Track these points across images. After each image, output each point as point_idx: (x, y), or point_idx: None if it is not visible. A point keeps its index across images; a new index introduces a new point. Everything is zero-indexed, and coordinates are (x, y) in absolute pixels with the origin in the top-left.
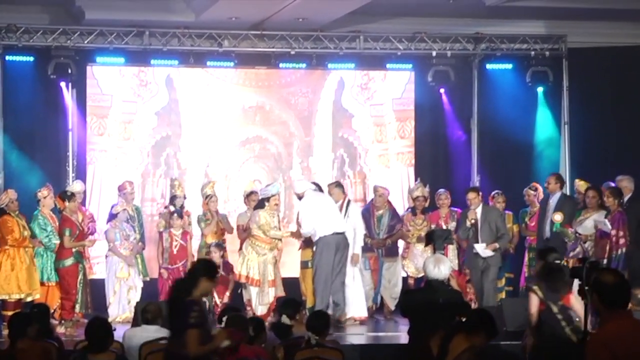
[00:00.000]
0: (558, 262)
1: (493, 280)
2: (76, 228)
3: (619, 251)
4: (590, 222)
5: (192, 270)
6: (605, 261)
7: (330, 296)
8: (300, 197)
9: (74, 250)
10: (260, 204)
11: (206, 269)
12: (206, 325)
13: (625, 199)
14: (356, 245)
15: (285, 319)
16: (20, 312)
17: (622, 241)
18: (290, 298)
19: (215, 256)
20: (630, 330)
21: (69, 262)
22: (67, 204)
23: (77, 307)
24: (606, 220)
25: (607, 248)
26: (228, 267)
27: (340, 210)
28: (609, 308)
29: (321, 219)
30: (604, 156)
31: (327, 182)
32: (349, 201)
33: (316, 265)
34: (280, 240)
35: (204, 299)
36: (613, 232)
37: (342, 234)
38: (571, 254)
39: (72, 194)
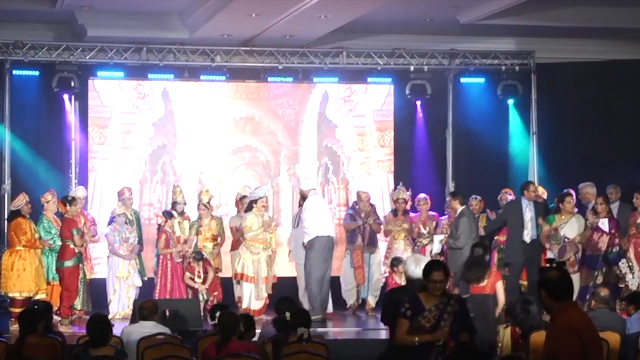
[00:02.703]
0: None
1: None
2: (80, 229)
3: (614, 249)
4: (574, 225)
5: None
6: (602, 254)
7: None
8: (304, 196)
9: (76, 251)
10: (249, 206)
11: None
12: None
13: (590, 205)
14: None
15: (288, 316)
16: (29, 308)
17: (617, 241)
18: (288, 297)
19: (195, 264)
20: (584, 318)
21: (71, 262)
22: (68, 207)
23: (79, 304)
24: (605, 220)
25: (606, 245)
26: (207, 265)
27: None
28: (558, 301)
29: (320, 221)
30: (570, 164)
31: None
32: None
33: (311, 266)
34: (269, 241)
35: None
36: (613, 232)
37: (333, 237)
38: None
39: (73, 199)
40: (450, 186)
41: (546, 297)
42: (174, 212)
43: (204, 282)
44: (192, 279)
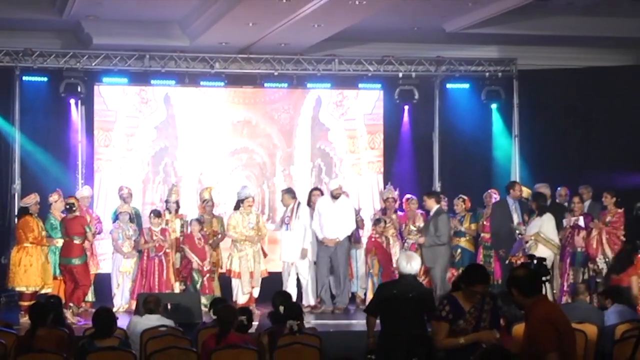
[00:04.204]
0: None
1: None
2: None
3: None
4: (537, 223)
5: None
6: (583, 249)
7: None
8: (337, 196)
9: (83, 247)
10: (237, 205)
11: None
12: (460, 322)
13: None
14: (305, 241)
15: (281, 309)
16: (40, 302)
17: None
18: (284, 291)
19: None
20: (557, 309)
21: (81, 260)
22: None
23: (90, 296)
24: (581, 218)
25: (586, 240)
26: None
27: (292, 212)
28: (529, 296)
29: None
30: (549, 165)
31: (307, 188)
32: (299, 203)
33: (344, 262)
34: (255, 237)
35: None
36: (589, 229)
37: None
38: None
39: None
40: (437, 186)
41: (518, 294)
42: (163, 211)
43: (204, 249)
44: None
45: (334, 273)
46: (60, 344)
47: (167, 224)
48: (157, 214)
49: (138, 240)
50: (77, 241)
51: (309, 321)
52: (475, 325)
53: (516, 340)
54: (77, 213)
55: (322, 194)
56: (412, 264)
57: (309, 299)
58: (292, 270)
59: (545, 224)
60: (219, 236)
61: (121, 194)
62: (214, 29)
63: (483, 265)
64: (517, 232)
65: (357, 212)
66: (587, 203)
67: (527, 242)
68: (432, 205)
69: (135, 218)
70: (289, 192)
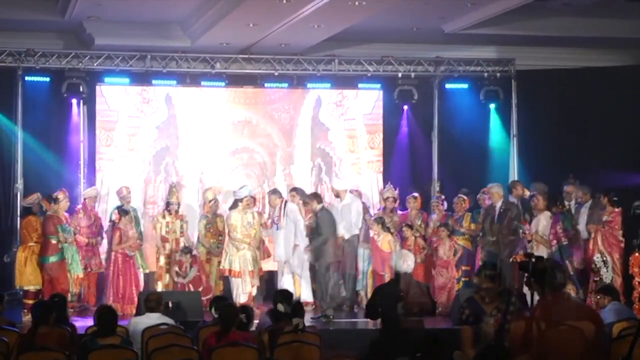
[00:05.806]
0: None
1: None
2: (64, 225)
3: (556, 245)
4: (540, 221)
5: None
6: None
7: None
8: (338, 194)
9: (60, 247)
10: (234, 204)
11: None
12: (482, 325)
13: (498, 204)
14: (296, 238)
15: (280, 307)
16: (42, 300)
17: (558, 237)
18: (284, 289)
19: (184, 259)
20: (552, 304)
21: (54, 258)
22: (52, 205)
23: (69, 297)
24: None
25: (553, 242)
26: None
27: (280, 212)
28: (541, 291)
29: None
30: (547, 164)
31: (307, 188)
32: (286, 202)
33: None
34: (252, 236)
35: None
36: (552, 231)
37: None
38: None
39: (57, 198)
40: (436, 185)
41: (536, 286)
42: (163, 211)
43: (201, 280)
44: (178, 274)
45: (340, 271)
46: (62, 342)
47: (167, 225)
48: (125, 212)
49: (137, 240)
50: (53, 240)
51: (309, 320)
52: (499, 328)
53: (513, 337)
54: (51, 212)
55: (299, 194)
56: (407, 262)
57: (306, 296)
58: (287, 268)
59: (540, 223)
60: (222, 237)
61: (121, 196)
62: (214, 30)
63: (494, 262)
64: (520, 230)
65: (367, 211)
66: (587, 204)
67: (529, 241)
68: (316, 206)
69: (134, 218)
70: (275, 192)
